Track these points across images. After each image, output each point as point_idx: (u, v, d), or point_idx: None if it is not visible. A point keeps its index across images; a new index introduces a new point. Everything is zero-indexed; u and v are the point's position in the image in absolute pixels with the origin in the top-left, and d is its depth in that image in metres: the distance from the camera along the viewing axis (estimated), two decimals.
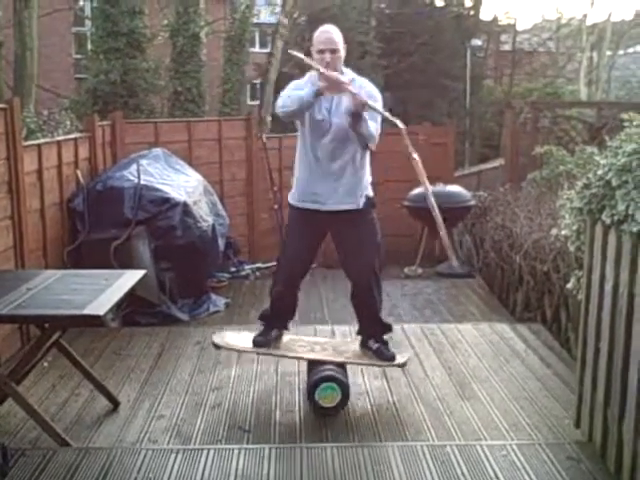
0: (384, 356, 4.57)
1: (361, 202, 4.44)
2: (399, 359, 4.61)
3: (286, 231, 4.77)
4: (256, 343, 4.65)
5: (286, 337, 4.80)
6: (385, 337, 4.66)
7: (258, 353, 4.82)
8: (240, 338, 4.85)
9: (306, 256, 4.60)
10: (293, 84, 4.44)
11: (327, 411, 4.29)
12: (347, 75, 4.37)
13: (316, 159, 4.39)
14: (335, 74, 4.18)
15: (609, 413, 3.55)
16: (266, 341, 4.66)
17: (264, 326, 4.72)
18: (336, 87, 4.15)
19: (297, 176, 4.53)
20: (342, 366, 4.52)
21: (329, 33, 4.37)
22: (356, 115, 4.13)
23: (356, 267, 4.49)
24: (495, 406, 4.43)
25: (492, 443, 3.85)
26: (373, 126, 4.27)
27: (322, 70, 4.16)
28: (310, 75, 4.45)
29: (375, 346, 4.59)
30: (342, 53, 4.37)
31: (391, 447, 3.75)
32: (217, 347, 4.78)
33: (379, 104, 4.32)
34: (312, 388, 4.31)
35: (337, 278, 7.82)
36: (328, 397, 4.28)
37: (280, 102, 4.33)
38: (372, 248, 4.48)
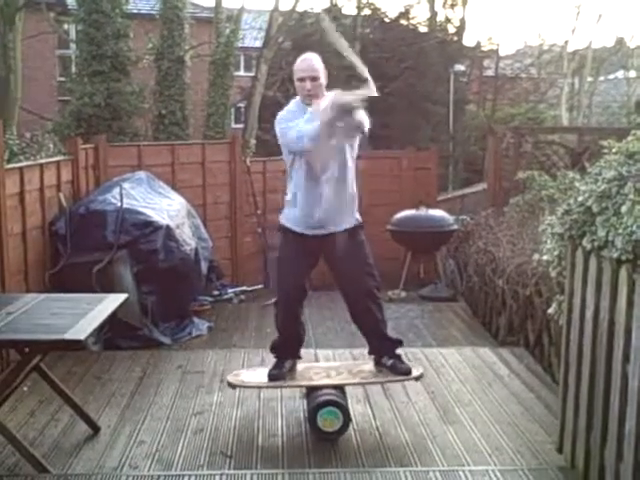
0: (399, 370, 4.53)
1: (355, 221, 4.48)
2: (415, 372, 4.59)
3: (279, 256, 4.60)
4: (271, 377, 4.56)
5: (300, 366, 4.72)
6: (398, 351, 4.61)
7: (276, 387, 4.73)
8: (255, 375, 4.78)
9: (302, 282, 4.57)
10: (290, 113, 4.33)
11: (329, 436, 4.24)
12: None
13: (317, 182, 4.29)
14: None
15: (591, 438, 3.55)
16: (281, 374, 4.56)
17: (277, 358, 4.65)
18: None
19: (296, 199, 4.39)
20: (342, 390, 4.48)
21: (309, 61, 4.34)
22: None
23: (352, 288, 4.50)
24: (478, 430, 4.42)
25: (475, 469, 3.84)
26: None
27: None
28: (296, 101, 4.43)
29: (389, 362, 4.55)
30: (323, 80, 4.33)
31: (374, 473, 3.73)
32: (232, 387, 4.67)
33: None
34: (313, 413, 4.26)
35: (322, 300, 7.84)
36: (329, 422, 4.22)
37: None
38: (366, 268, 4.48)
